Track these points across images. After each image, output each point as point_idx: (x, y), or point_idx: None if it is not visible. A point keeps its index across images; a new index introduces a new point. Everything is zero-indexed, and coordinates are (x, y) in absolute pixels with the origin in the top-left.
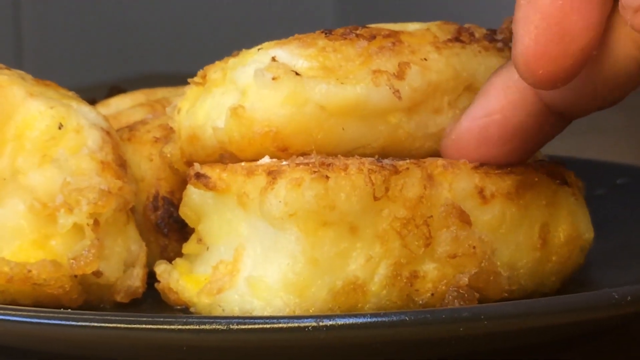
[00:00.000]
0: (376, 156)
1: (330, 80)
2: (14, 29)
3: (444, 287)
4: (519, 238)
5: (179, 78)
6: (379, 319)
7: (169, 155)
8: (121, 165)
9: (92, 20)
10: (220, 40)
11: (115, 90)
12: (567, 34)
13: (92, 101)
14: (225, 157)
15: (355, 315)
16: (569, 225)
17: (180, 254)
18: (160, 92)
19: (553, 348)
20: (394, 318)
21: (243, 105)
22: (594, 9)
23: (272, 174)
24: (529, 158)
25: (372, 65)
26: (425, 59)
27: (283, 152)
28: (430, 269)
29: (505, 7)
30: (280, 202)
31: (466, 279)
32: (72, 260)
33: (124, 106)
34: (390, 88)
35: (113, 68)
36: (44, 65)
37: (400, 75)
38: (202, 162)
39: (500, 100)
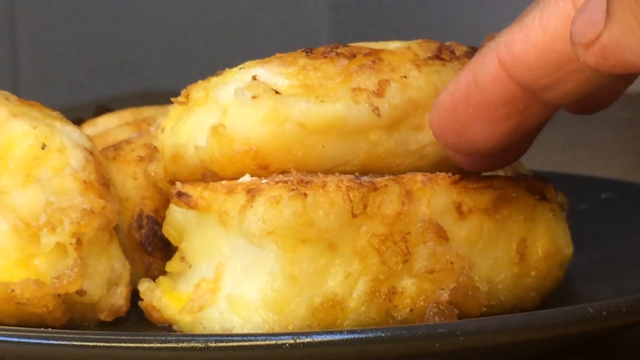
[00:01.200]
0: (356, 173)
1: (310, 98)
2: (9, 49)
3: (422, 303)
4: (496, 253)
5: (169, 95)
6: (356, 336)
7: (152, 174)
8: (104, 184)
9: (86, 40)
10: (213, 57)
11: (102, 109)
12: (465, 136)
13: (79, 120)
14: (207, 175)
15: (332, 332)
16: (547, 241)
17: (165, 273)
18: (147, 111)
19: None
20: (371, 335)
21: (223, 124)
22: (497, 125)
23: (251, 192)
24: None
25: (352, 84)
26: (405, 77)
27: (263, 170)
28: (408, 285)
29: (487, 24)
30: (258, 219)
31: (446, 295)
32: (55, 280)
33: (110, 125)
34: (369, 105)
35: (104, 86)
36: (40, 83)
37: (380, 92)
38: (185, 181)
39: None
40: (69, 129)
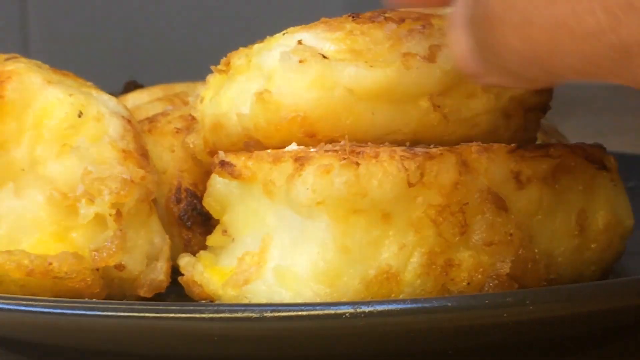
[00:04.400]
0: (407, 143)
1: (359, 63)
2: (21, 41)
3: (480, 276)
4: (555, 224)
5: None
6: (420, 305)
7: (191, 146)
8: (143, 154)
9: (104, 30)
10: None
11: (131, 85)
12: None
13: None
14: (251, 144)
15: (395, 301)
16: (608, 212)
17: (204, 248)
18: (179, 87)
19: (598, 339)
20: (436, 304)
21: (269, 90)
22: None
23: (300, 161)
24: None
25: (401, 48)
26: None
27: (311, 138)
28: (465, 257)
29: None
30: (307, 189)
31: (507, 268)
32: (94, 252)
33: (141, 101)
34: (421, 71)
35: (126, 76)
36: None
37: (431, 58)
38: (227, 152)
39: None
40: (105, 97)
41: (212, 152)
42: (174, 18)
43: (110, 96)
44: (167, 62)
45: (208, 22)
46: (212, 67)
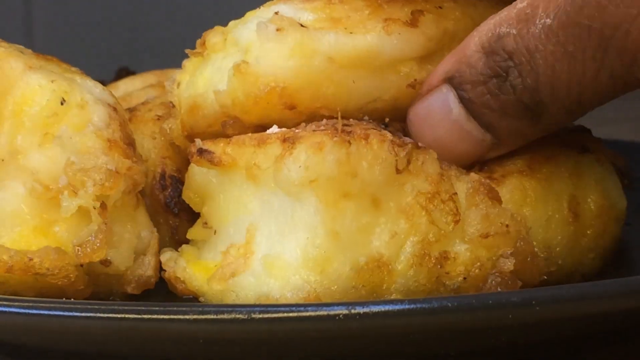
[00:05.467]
0: (386, 119)
1: (338, 30)
2: (25, 30)
3: (477, 271)
4: (547, 213)
5: None
6: (418, 306)
7: (168, 131)
8: (129, 144)
9: (102, 16)
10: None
11: (123, 72)
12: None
13: (101, 83)
14: (229, 123)
15: (392, 302)
16: (599, 195)
17: None
18: (172, 73)
19: (603, 339)
20: (435, 304)
21: (247, 61)
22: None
23: (289, 140)
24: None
25: (382, 14)
26: (440, 7)
27: (291, 110)
28: (461, 251)
29: None
30: (300, 167)
31: (511, 265)
32: (77, 247)
33: (133, 88)
34: (402, 36)
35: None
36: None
37: (413, 23)
38: (203, 134)
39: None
40: (90, 83)
41: (190, 137)
42: (170, 5)
43: (95, 82)
44: (163, 49)
45: (203, 8)
46: (187, 51)
